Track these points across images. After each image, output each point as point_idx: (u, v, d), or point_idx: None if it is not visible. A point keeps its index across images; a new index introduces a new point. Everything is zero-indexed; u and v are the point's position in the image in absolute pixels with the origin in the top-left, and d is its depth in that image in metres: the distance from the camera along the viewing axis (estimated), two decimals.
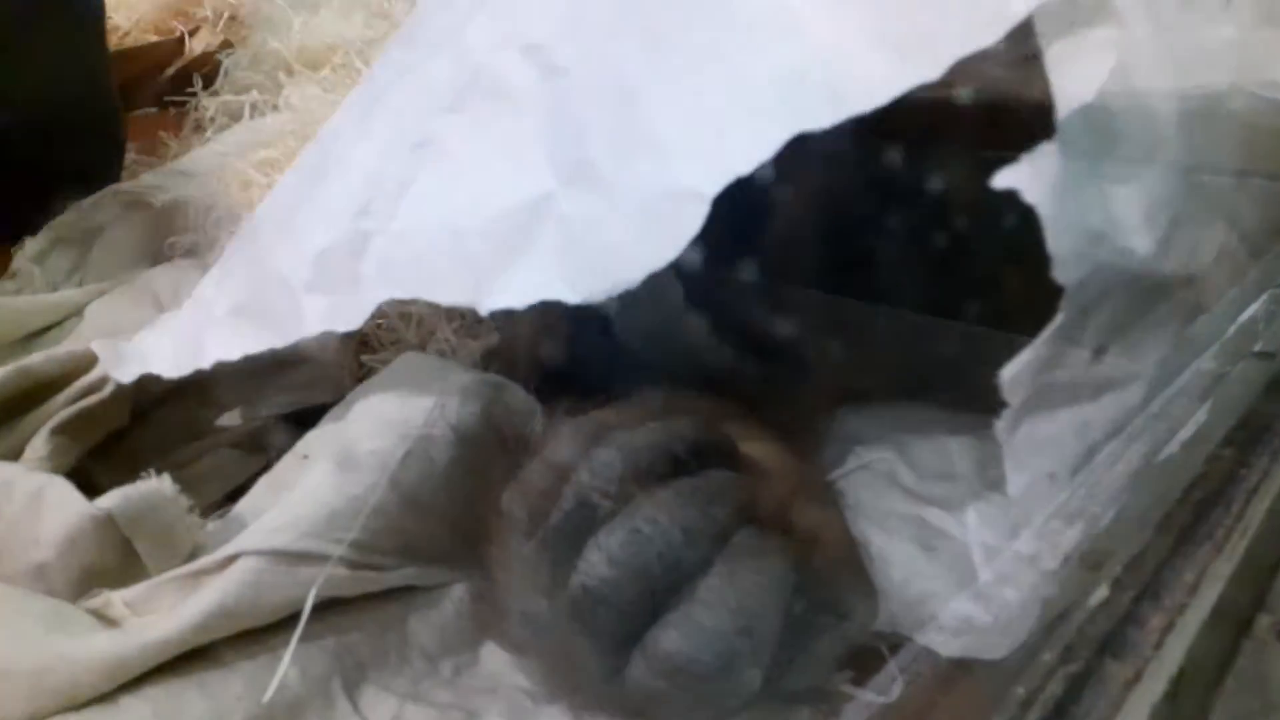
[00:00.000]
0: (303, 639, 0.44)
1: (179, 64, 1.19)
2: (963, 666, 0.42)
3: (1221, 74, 0.46)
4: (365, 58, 0.86)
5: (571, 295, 0.39)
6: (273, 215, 0.54)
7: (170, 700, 0.41)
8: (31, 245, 0.80)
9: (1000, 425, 0.36)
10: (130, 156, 1.01)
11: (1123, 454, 0.42)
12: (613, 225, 0.38)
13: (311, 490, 0.45)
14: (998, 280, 0.54)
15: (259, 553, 0.42)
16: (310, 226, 0.48)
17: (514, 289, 0.41)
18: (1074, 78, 0.34)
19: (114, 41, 1.24)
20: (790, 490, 0.43)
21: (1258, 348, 0.53)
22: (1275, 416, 0.46)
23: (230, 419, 0.64)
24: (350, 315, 0.45)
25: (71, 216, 0.81)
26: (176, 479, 0.50)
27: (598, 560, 0.37)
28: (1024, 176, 0.32)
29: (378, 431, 0.50)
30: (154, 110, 1.20)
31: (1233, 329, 0.53)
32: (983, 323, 0.52)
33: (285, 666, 0.42)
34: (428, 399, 0.51)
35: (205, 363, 0.49)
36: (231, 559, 0.43)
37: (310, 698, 0.43)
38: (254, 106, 0.87)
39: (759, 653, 0.37)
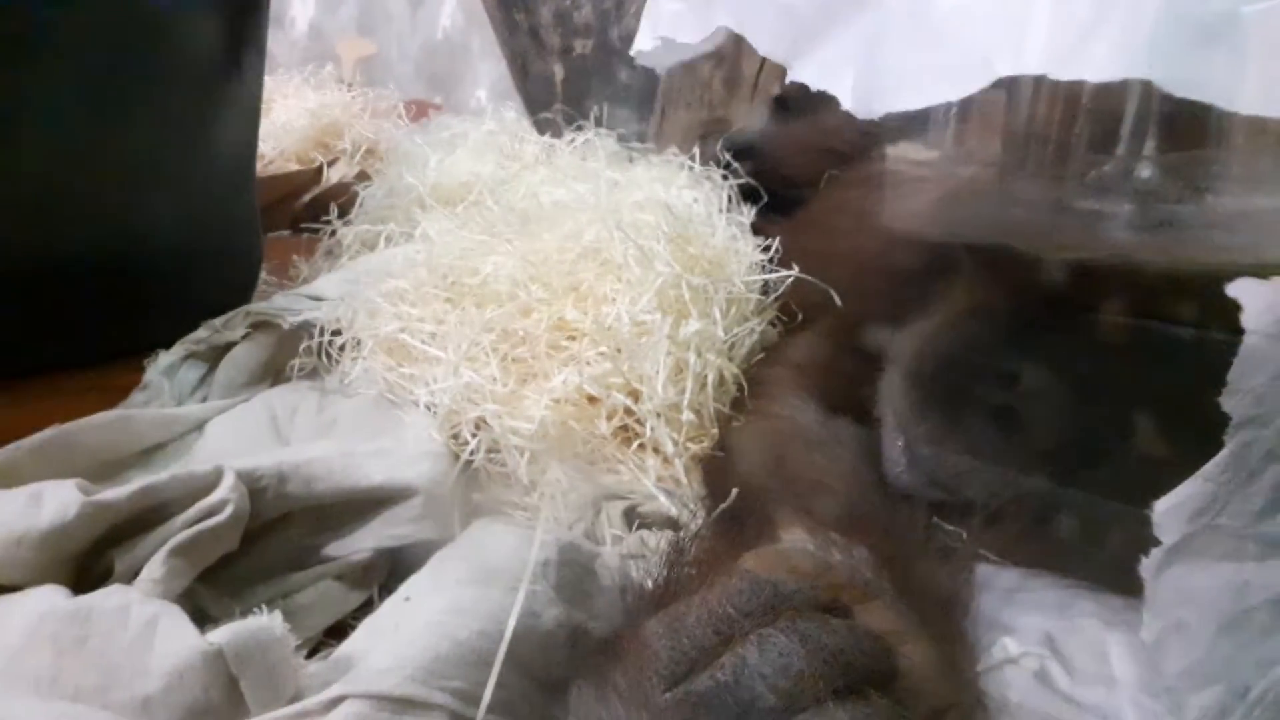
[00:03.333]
0: None
1: (315, 191, 1.26)
2: None
3: None
4: (496, 196, 0.89)
5: None
6: None
7: None
8: (164, 358, 0.83)
9: (1146, 563, 0.34)
10: (261, 277, 1.06)
11: None
12: None
13: (417, 632, 0.44)
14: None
15: (364, 696, 0.41)
16: None
17: None
18: None
19: (258, 169, 1.31)
20: (939, 708, 0.39)
21: None
22: None
23: (337, 549, 0.64)
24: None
25: (203, 333, 0.84)
26: (279, 610, 0.50)
27: None
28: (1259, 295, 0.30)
29: (483, 579, 0.49)
30: (288, 234, 1.26)
31: None
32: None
33: None
34: (527, 553, 0.50)
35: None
36: (335, 701, 0.41)
37: None
38: (389, 238, 0.90)
39: None
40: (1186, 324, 0.54)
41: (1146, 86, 0.62)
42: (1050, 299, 0.61)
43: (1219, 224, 0.58)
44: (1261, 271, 0.38)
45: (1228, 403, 0.34)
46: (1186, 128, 0.62)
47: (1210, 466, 0.36)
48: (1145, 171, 0.63)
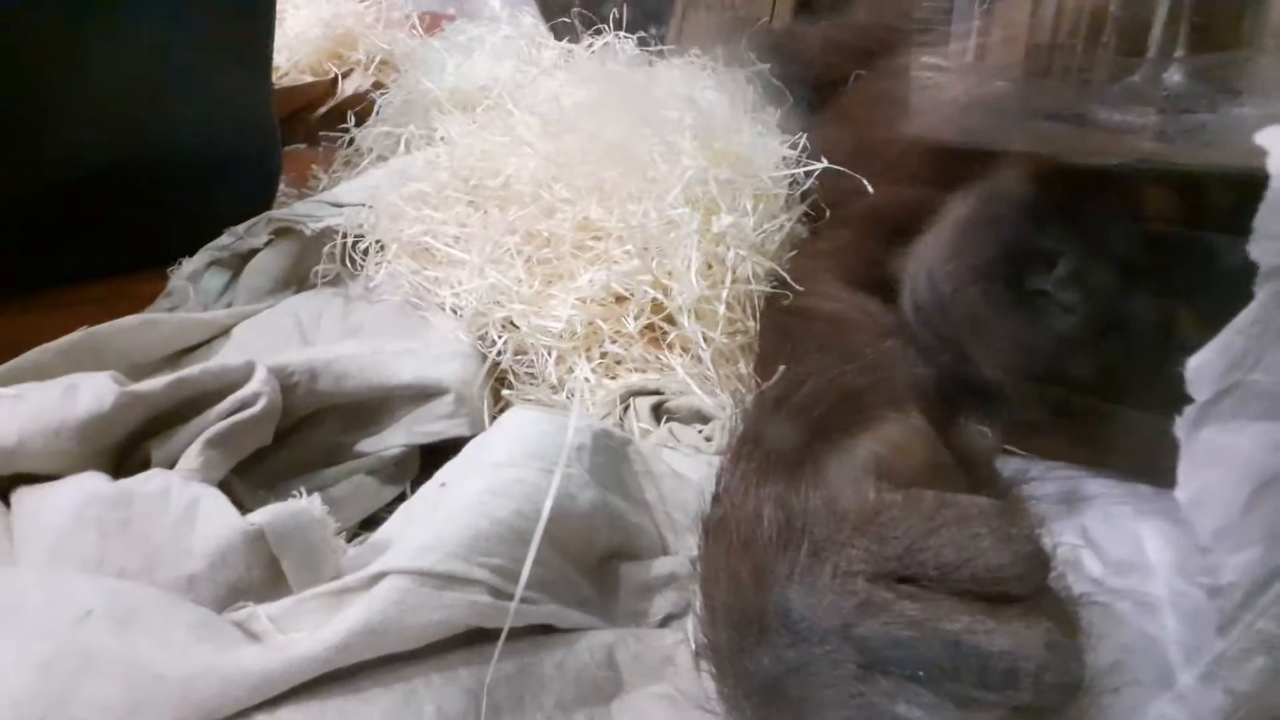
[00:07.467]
0: (440, 674, 0.43)
1: (332, 103, 1.25)
2: None
3: None
4: (516, 99, 0.87)
5: None
6: None
7: None
8: (188, 265, 0.83)
9: (1180, 422, 0.33)
10: (280, 189, 1.05)
11: None
12: None
13: (456, 512, 0.44)
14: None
15: (405, 572, 0.41)
16: None
17: None
18: None
19: (273, 81, 1.30)
20: None
21: None
22: None
23: (370, 445, 0.64)
24: None
25: (226, 240, 0.84)
26: None
27: None
28: None
29: (519, 461, 0.49)
30: (304, 146, 1.25)
31: None
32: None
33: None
34: (561, 438, 0.50)
35: None
36: (377, 578, 0.42)
37: None
38: (408, 141, 0.88)
39: None
40: (1217, 230, 0.53)
41: None
42: (1074, 205, 0.60)
43: (1248, 128, 0.57)
44: None
45: (1255, 249, 0.33)
46: (1217, 30, 0.60)
47: (1240, 319, 0.34)
48: (1175, 76, 0.61)
